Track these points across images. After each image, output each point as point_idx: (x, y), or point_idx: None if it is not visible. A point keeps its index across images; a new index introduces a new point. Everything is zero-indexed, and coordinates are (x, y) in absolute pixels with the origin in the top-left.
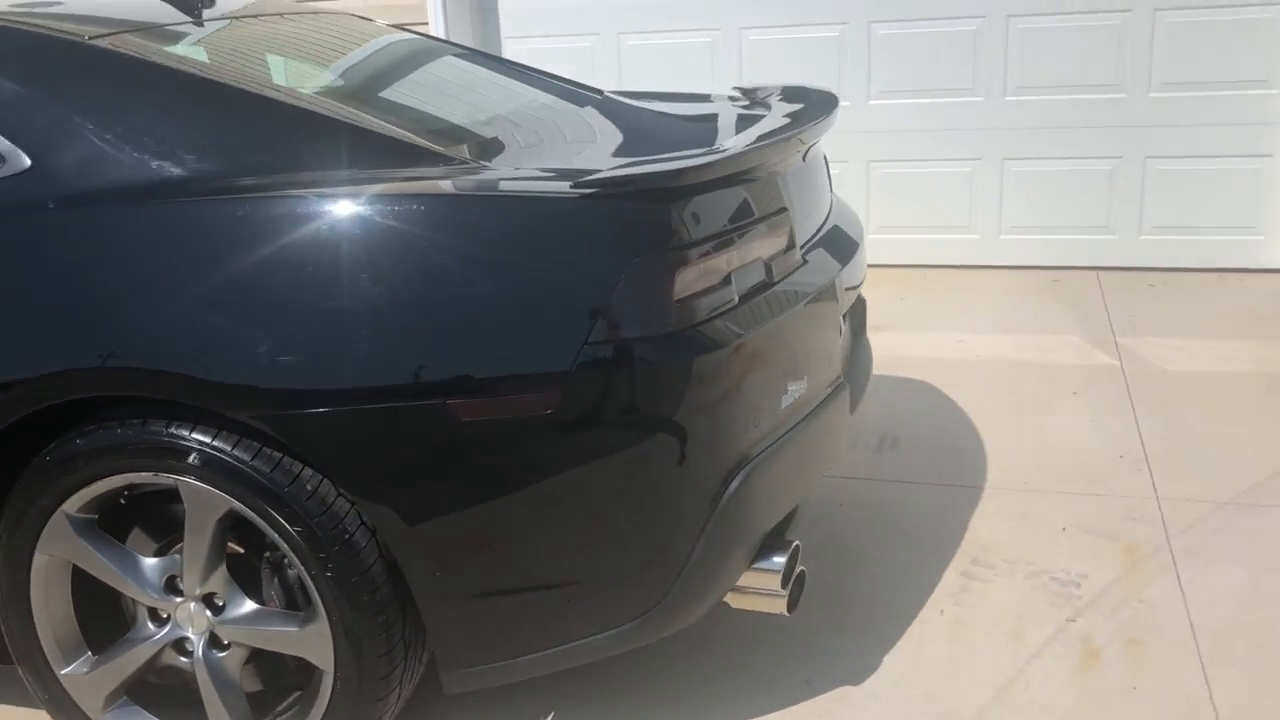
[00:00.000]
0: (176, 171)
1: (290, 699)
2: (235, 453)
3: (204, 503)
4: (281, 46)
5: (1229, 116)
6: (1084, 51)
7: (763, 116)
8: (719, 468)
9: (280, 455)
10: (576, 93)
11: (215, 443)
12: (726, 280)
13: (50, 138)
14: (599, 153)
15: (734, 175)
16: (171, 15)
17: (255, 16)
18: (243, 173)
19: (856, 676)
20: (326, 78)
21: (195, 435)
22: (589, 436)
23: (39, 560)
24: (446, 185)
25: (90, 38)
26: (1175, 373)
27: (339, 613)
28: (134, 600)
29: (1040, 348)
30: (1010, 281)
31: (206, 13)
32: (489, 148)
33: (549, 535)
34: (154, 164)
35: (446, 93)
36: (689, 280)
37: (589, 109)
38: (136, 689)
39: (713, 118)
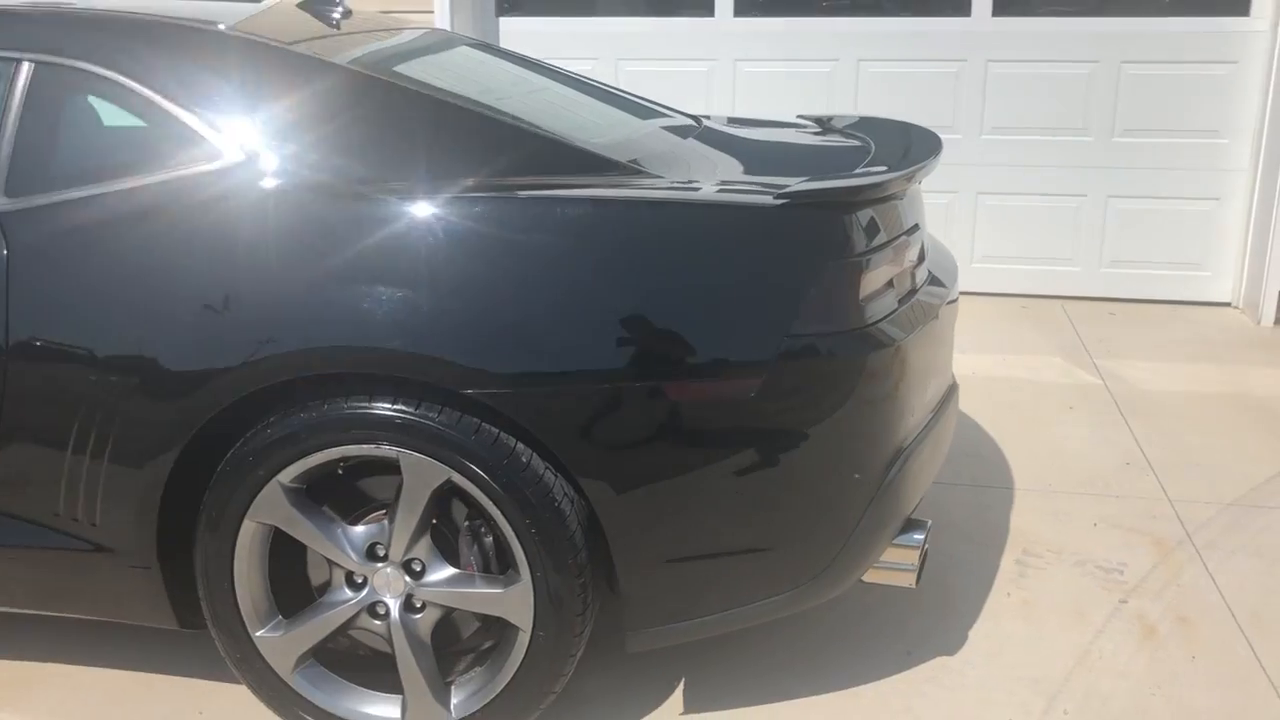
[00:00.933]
0: (415, 175)
1: (467, 660)
2: (457, 428)
3: (424, 474)
4: (423, 63)
5: (1184, 162)
6: (1055, 97)
7: (862, 143)
8: (885, 452)
9: (497, 431)
10: (681, 115)
11: (440, 418)
12: (890, 285)
13: (266, 138)
14: (751, 169)
15: (893, 194)
16: (321, 29)
17: (374, 31)
18: (464, 177)
19: (949, 649)
20: (486, 92)
21: (421, 411)
22: (782, 419)
23: (246, 527)
24: (668, 194)
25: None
26: (1155, 391)
27: (544, 575)
28: (330, 566)
29: (1026, 366)
30: (984, 307)
31: (345, 25)
32: (653, 161)
33: (739, 506)
34: (395, 168)
35: (581, 113)
36: (868, 284)
37: (705, 129)
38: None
39: (817, 143)
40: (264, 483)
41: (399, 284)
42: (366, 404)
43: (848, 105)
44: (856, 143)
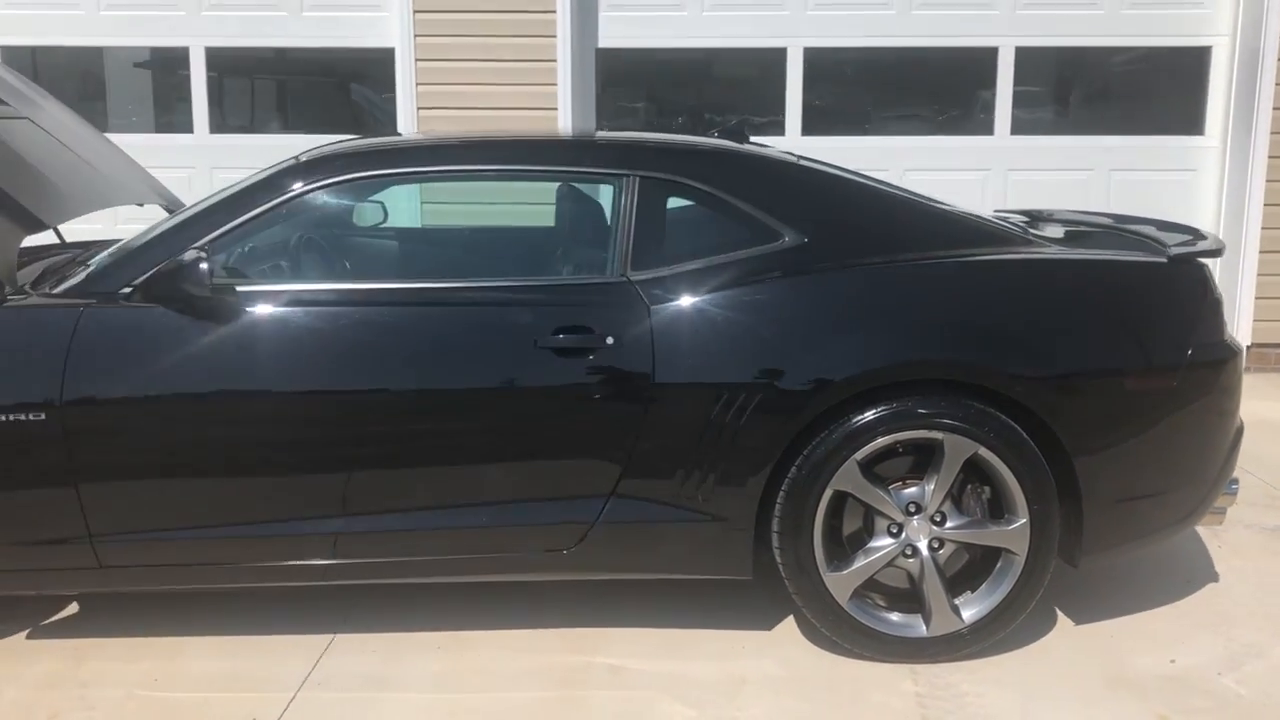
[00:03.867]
0: (913, 247)
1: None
2: (985, 415)
3: (960, 449)
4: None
5: None
6: (1060, 198)
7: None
8: (1234, 424)
9: (1009, 418)
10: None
11: (975, 409)
12: None
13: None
14: (1082, 244)
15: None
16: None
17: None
18: (941, 248)
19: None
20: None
21: (965, 404)
22: (1190, 401)
23: (826, 494)
24: (1099, 256)
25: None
26: None
27: (1038, 515)
28: (872, 519)
29: None
30: None
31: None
32: (1043, 234)
33: (1163, 461)
34: (901, 244)
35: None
36: (1222, 317)
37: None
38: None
39: (1071, 229)
40: (845, 460)
41: (953, 315)
42: (924, 401)
43: None
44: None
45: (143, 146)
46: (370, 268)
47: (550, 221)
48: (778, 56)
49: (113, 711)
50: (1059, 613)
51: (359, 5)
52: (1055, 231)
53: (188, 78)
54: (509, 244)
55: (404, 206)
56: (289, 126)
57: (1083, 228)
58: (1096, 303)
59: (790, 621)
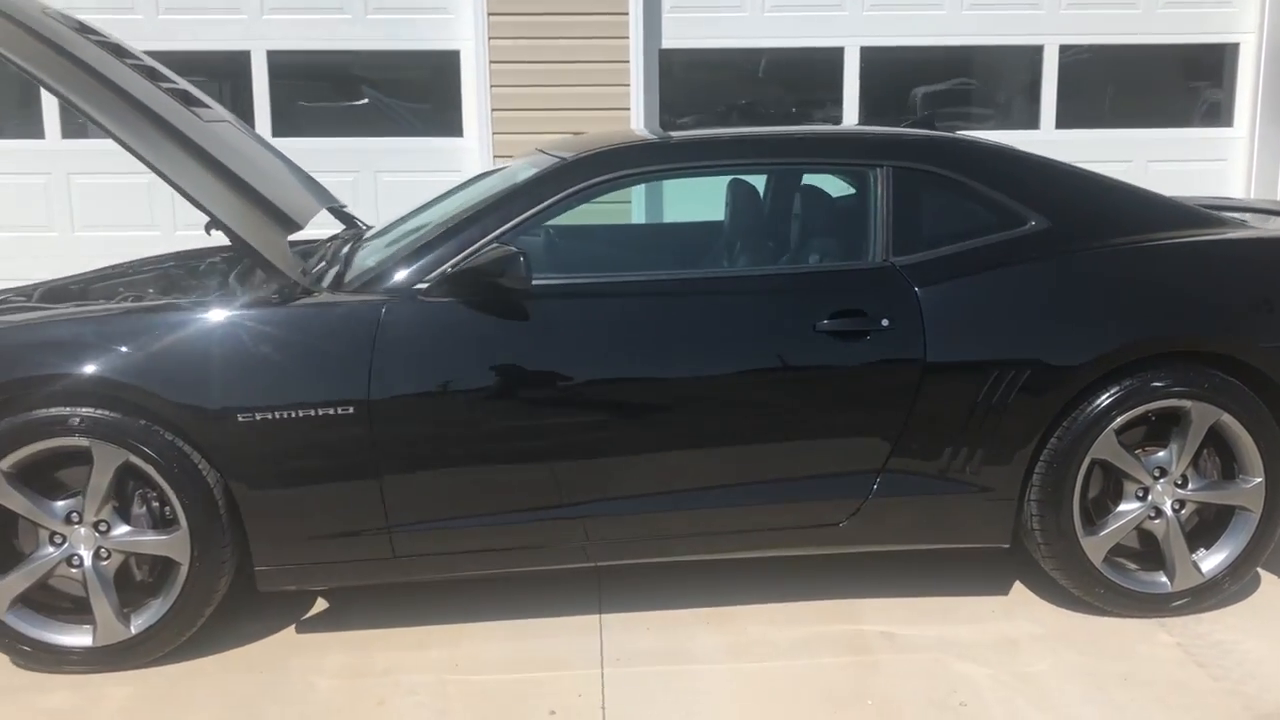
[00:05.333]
0: (1132, 230)
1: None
2: (1230, 385)
3: (1206, 417)
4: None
5: None
6: None
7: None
8: None
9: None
10: None
11: (1227, 379)
12: None
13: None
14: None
15: None
16: None
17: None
18: (1153, 231)
19: None
20: None
21: (1215, 374)
22: None
23: (1085, 462)
24: None
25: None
26: None
27: (1272, 475)
28: (1127, 483)
29: None
30: None
31: None
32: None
33: None
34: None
35: None
36: None
37: None
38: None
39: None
40: (1103, 430)
41: (1198, 291)
42: (1171, 373)
43: None
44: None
45: None
46: (648, 259)
47: (796, 211)
48: (835, 56)
49: (435, 695)
50: (1261, 572)
51: (425, 8)
52: (1234, 215)
53: (249, 81)
54: (765, 234)
55: (639, 202)
56: (331, 130)
57: (1246, 210)
58: None
59: (1019, 585)
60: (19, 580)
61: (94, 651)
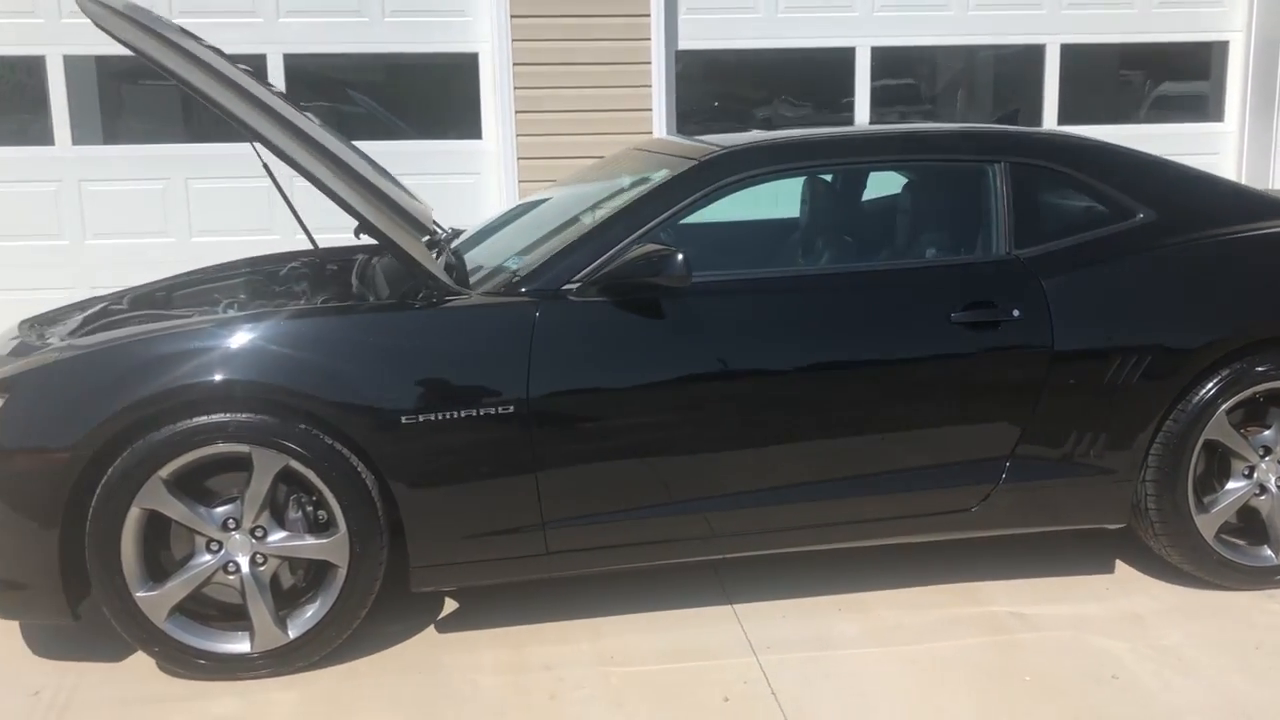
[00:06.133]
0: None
1: None
2: None
3: None
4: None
5: None
6: None
7: None
8: None
9: None
10: None
11: None
12: None
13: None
14: None
15: None
16: None
17: None
18: (1242, 222)
19: None
20: None
21: None
22: None
23: (1199, 443)
24: None
25: None
26: None
27: None
28: (1235, 461)
29: None
30: None
31: None
32: None
33: None
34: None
35: None
36: None
37: None
38: None
39: None
40: (1216, 411)
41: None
42: (1267, 357)
43: None
44: None
45: (209, 156)
46: (783, 255)
47: (906, 205)
48: (846, 56)
49: (602, 687)
50: None
51: (443, 10)
52: None
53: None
54: (889, 228)
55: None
56: (347, 133)
57: None
58: None
59: (1121, 564)
60: (178, 589)
61: (252, 658)
